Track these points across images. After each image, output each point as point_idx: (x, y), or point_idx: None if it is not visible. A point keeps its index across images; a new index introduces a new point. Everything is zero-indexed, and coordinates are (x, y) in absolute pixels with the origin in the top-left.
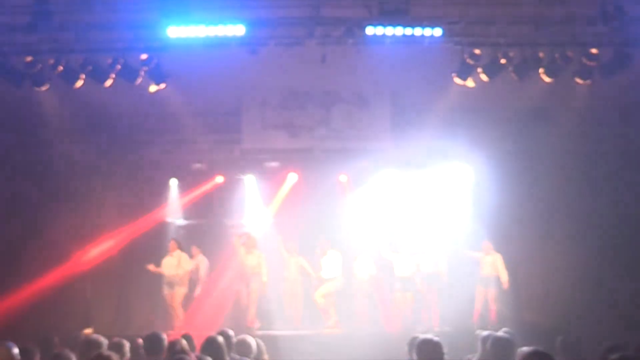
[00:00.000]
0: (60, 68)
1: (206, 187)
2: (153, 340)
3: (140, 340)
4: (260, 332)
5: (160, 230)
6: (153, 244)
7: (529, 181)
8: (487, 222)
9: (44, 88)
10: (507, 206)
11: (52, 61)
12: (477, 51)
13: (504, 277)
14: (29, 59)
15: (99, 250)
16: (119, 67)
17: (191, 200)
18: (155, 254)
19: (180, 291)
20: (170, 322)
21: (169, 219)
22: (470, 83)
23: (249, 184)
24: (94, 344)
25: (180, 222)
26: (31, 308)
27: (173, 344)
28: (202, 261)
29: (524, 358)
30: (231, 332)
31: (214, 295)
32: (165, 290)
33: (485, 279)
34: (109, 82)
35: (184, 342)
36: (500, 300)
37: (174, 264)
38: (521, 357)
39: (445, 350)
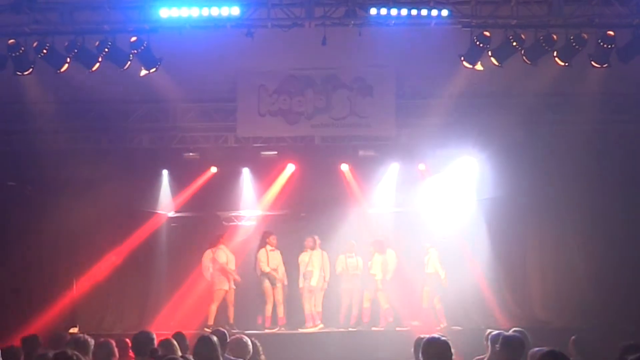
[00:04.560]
0: (45, 51)
1: (200, 178)
2: (142, 340)
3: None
4: (257, 332)
5: (151, 224)
6: (143, 238)
7: (541, 173)
8: (495, 217)
9: (27, 72)
10: (516, 200)
11: (36, 44)
12: (486, 33)
13: (443, 273)
14: (11, 41)
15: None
16: (106, 50)
17: (184, 192)
18: (146, 249)
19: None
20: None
21: (160, 212)
22: (479, 67)
23: (245, 174)
24: (80, 344)
25: (172, 214)
26: (17, 306)
27: (163, 344)
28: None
29: (537, 358)
30: (225, 332)
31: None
32: (225, 286)
33: (429, 277)
34: (96, 66)
35: (174, 341)
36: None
37: (233, 260)
38: (534, 358)
39: (453, 350)
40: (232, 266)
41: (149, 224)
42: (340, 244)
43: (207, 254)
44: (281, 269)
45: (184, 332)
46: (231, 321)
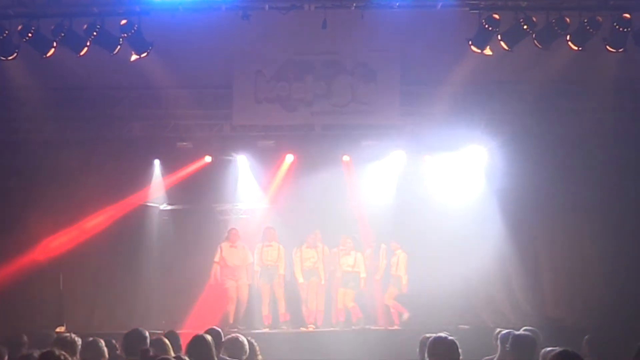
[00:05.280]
0: (30, 35)
1: (192, 168)
2: (133, 339)
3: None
4: (252, 331)
5: (141, 217)
6: (134, 232)
7: (553, 163)
8: (505, 210)
9: (11, 57)
10: (528, 192)
11: (20, 27)
12: (495, 16)
13: (404, 279)
14: None
15: (73, 238)
16: (95, 33)
17: (176, 182)
18: (137, 243)
19: (246, 284)
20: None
21: (152, 204)
22: (488, 52)
23: (241, 165)
24: (67, 344)
25: (164, 207)
26: None
27: (154, 343)
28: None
29: (550, 359)
30: (220, 331)
31: (202, 292)
32: (229, 284)
33: (393, 278)
34: (84, 51)
35: (166, 341)
36: (402, 301)
37: (241, 256)
38: (546, 358)
39: (461, 350)
40: (235, 262)
41: (139, 216)
42: (339, 238)
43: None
44: (282, 263)
45: (176, 330)
46: (231, 320)
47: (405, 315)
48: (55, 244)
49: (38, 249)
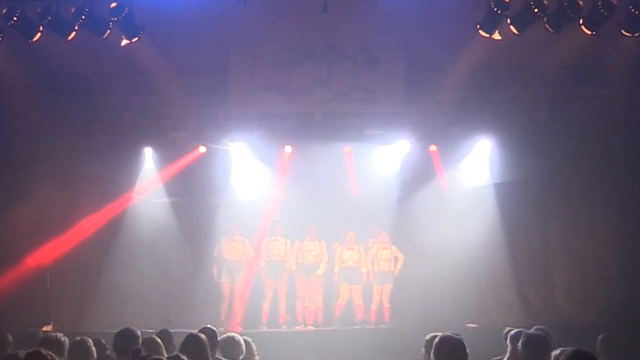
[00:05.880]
0: (15, 18)
1: (186, 158)
2: (125, 338)
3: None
4: (249, 331)
5: (132, 210)
6: (124, 226)
7: (567, 154)
8: (514, 203)
9: None
10: (538, 183)
11: (4, 10)
12: None
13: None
14: None
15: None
16: (84, 17)
17: (169, 174)
18: (127, 238)
19: (242, 281)
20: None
21: (143, 197)
22: (497, 36)
23: (237, 155)
24: (54, 343)
25: (156, 200)
26: None
27: (146, 342)
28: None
29: (563, 359)
30: (215, 330)
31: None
32: (225, 279)
33: (381, 275)
34: (72, 35)
35: (158, 340)
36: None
37: (239, 250)
38: (559, 358)
39: (468, 350)
40: (231, 257)
41: (129, 209)
42: (340, 233)
43: None
44: (290, 258)
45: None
46: (222, 318)
47: (384, 326)
48: (46, 246)
49: (28, 255)
